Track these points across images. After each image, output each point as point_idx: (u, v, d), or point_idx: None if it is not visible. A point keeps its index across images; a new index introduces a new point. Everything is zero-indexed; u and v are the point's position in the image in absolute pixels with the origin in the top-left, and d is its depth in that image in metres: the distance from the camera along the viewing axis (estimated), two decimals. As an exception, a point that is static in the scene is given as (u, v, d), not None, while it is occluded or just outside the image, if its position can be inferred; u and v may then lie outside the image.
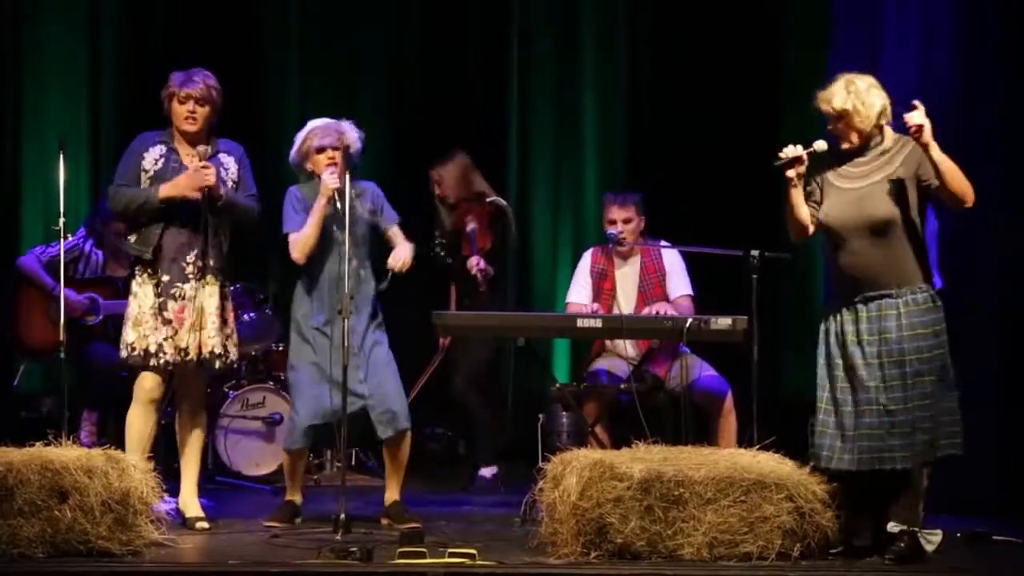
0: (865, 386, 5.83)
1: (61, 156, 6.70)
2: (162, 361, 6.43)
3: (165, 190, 6.41)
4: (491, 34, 9.63)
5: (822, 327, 5.99)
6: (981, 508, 6.94)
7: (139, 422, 6.48)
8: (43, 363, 8.36)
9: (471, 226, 7.98)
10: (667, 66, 9.42)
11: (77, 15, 9.29)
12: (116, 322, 7.28)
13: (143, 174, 6.49)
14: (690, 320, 6.90)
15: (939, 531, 5.86)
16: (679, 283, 7.48)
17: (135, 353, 6.46)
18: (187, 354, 6.46)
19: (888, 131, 5.94)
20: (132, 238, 6.52)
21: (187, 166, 6.48)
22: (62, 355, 6.67)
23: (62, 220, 6.75)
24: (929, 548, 5.83)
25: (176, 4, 9.36)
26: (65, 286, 6.96)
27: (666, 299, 7.40)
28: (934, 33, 7.60)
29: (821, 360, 5.99)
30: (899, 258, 5.86)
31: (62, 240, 6.85)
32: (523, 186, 9.55)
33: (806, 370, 7.48)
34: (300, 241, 6.61)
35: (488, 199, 8.12)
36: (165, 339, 6.44)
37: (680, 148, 9.20)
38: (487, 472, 8.03)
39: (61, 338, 6.68)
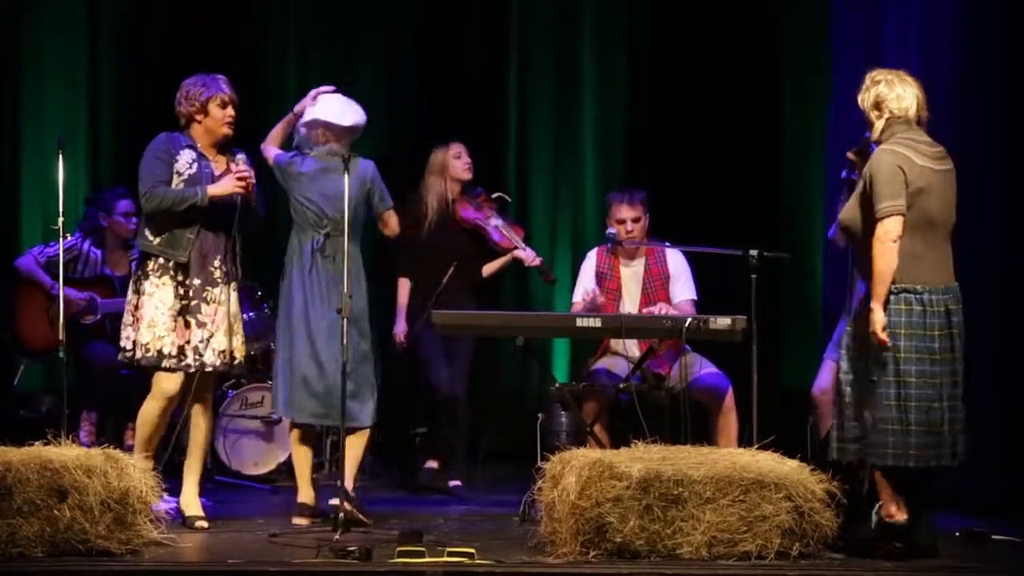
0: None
1: (60, 156, 6.68)
2: (201, 363, 6.44)
3: (213, 190, 6.40)
4: (491, 34, 9.62)
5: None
6: (981, 508, 6.94)
7: (154, 417, 6.48)
8: (43, 363, 8.35)
9: (495, 222, 7.83)
10: (667, 66, 9.41)
11: (77, 15, 9.28)
12: (115, 321, 7.26)
13: (176, 176, 6.45)
14: (689, 320, 6.87)
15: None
16: (683, 287, 7.42)
17: (149, 354, 6.44)
18: (226, 357, 6.51)
19: (877, 125, 5.95)
20: (156, 240, 6.47)
21: (213, 171, 6.47)
22: (62, 355, 6.66)
23: (61, 220, 6.73)
24: None
25: (176, 4, 9.36)
26: (64, 286, 6.95)
27: (669, 303, 7.35)
28: (934, 33, 7.59)
29: None
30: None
31: (61, 240, 6.84)
32: (522, 185, 9.55)
33: (806, 370, 7.49)
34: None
35: (494, 195, 8.00)
36: (201, 341, 6.45)
37: (680, 148, 9.19)
38: (432, 464, 7.94)
39: (61, 338, 6.67)
